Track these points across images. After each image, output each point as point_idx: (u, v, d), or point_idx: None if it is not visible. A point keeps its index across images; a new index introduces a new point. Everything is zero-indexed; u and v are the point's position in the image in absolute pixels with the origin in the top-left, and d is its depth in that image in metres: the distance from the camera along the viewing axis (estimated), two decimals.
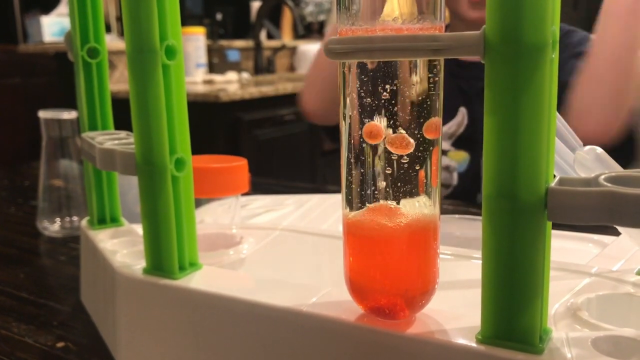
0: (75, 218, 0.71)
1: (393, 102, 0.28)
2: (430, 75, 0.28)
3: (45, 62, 2.40)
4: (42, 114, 0.68)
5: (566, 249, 0.51)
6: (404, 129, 0.28)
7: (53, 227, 0.71)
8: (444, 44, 0.26)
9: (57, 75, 2.21)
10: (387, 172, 0.29)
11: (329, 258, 0.46)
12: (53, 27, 2.39)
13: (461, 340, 0.29)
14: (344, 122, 0.30)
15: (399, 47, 0.27)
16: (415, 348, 0.29)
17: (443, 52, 0.27)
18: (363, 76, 0.28)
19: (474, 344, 0.28)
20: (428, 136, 0.29)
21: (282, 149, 2.11)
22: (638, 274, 0.41)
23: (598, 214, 0.25)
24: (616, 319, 0.35)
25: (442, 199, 0.93)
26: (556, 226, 0.29)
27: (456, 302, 0.38)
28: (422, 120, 0.29)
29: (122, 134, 0.45)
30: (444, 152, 0.94)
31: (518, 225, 0.26)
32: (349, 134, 0.30)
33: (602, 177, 0.26)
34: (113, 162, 0.39)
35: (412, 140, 0.28)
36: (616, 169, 0.35)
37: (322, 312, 0.32)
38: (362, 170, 0.29)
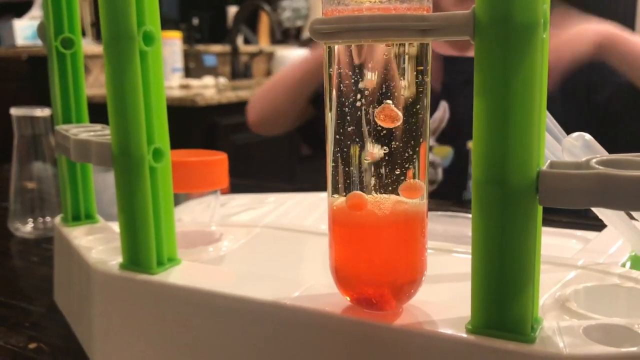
0: (48, 219, 0.69)
1: (378, 91, 0.27)
2: (417, 66, 0.28)
3: (17, 66, 2.35)
4: (14, 111, 0.66)
5: (550, 244, 0.51)
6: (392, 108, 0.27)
7: (25, 228, 0.68)
8: (432, 24, 0.26)
9: (30, 79, 2.17)
10: (374, 163, 0.28)
11: (312, 255, 0.45)
12: (26, 30, 2.35)
13: (451, 331, 0.28)
14: (329, 112, 0.29)
15: (386, 26, 0.26)
16: (404, 339, 0.28)
17: (432, 32, 0.26)
18: (348, 63, 0.28)
19: (464, 334, 0.27)
20: (407, 196, 0.28)
21: (260, 153, 2.09)
22: (623, 266, 0.41)
23: (590, 196, 0.25)
24: (604, 309, 0.35)
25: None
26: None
27: (443, 295, 0.37)
28: (409, 108, 0.28)
29: (98, 126, 0.43)
30: (429, 148, 0.94)
31: (509, 210, 0.26)
32: (335, 123, 0.29)
33: (594, 160, 0.26)
34: (88, 154, 0.38)
35: (399, 113, 0.27)
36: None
37: (306, 304, 0.31)
38: (349, 162, 0.28)
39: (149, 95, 0.35)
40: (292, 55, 2.66)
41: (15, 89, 2.40)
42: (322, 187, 0.30)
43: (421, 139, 0.28)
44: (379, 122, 0.27)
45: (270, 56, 2.77)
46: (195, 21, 2.63)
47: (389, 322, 0.29)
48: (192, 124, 1.86)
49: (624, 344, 0.27)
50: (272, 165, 2.16)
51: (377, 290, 0.29)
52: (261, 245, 0.47)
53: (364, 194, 0.28)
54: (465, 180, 0.90)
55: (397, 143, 0.28)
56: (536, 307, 0.28)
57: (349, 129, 0.28)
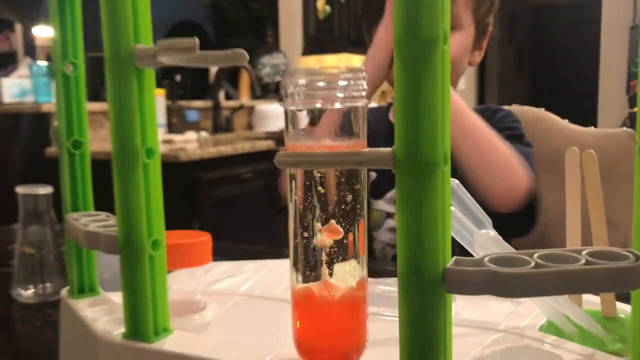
0: (48, 284, 0.77)
1: (328, 198, 0.37)
2: (355, 182, 0.37)
3: (4, 122, 2.44)
4: (20, 190, 0.74)
5: (487, 306, 0.59)
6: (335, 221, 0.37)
7: (27, 293, 0.76)
8: (364, 159, 0.35)
9: (15, 134, 2.26)
10: (325, 250, 0.37)
11: (282, 322, 0.53)
12: (13, 88, 2.44)
13: None
14: (291, 217, 0.38)
15: (332, 160, 0.35)
16: None
17: (364, 164, 0.35)
18: (305, 181, 0.37)
19: None
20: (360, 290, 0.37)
21: (240, 206, 2.17)
22: (540, 330, 0.49)
23: (484, 288, 0.33)
24: None
25: (390, 258, 1.02)
26: None
27: (381, 357, 0.45)
28: (350, 211, 0.37)
29: (102, 215, 0.52)
30: (391, 215, 1.03)
31: (424, 297, 0.34)
32: (295, 224, 0.38)
33: (487, 258, 0.35)
34: (98, 243, 0.46)
35: (340, 229, 0.36)
36: (506, 248, 0.44)
37: None
38: (306, 252, 0.37)
39: (150, 197, 0.43)
40: (272, 110, 2.77)
41: (2, 143, 2.48)
42: None
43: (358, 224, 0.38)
44: (325, 235, 0.36)
45: (250, 110, 2.88)
46: (178, 77, 2.74)
47: None
48: (174, 180, 1.94)
49: None
50: (252, 217, 2.24)
51: (331, 357, 0.37)
52: (240, 313, 0.55)
53: (313, 288, 0.37)
54: None
55: (342, 255, 0.37)
56: None
57: (305, 229, 0.37)
